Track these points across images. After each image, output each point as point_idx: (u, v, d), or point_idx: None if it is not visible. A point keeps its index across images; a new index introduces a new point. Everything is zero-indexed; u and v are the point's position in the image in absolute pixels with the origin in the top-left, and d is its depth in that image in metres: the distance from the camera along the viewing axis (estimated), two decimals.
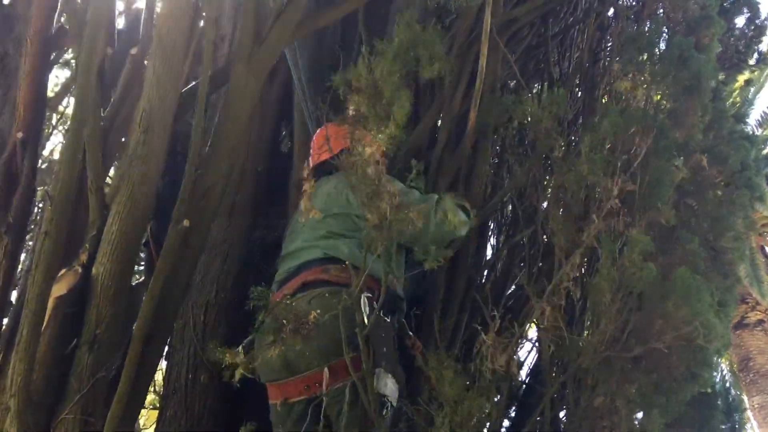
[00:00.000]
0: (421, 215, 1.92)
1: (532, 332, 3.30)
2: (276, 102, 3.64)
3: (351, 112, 1.88)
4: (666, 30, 2.98)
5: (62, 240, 2.19)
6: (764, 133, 9.24)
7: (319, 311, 2.10)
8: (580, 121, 3.63)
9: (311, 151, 2.85)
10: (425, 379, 2.40)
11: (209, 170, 2.53)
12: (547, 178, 3.16)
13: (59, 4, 3.00)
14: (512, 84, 3.71)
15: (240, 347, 2.37)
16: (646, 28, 2.97)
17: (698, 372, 1.94)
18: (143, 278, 3.77)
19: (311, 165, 2.78)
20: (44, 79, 2.90)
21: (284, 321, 2.05)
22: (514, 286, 3.44)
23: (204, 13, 2.74)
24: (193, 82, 2.79)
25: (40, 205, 4.38)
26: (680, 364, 1.93)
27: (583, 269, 2.92)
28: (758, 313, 8.88)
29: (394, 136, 1.91)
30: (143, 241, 3.25)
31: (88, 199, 2.42)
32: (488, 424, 2.13)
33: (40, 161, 4.47)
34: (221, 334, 3.03)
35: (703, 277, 2.04)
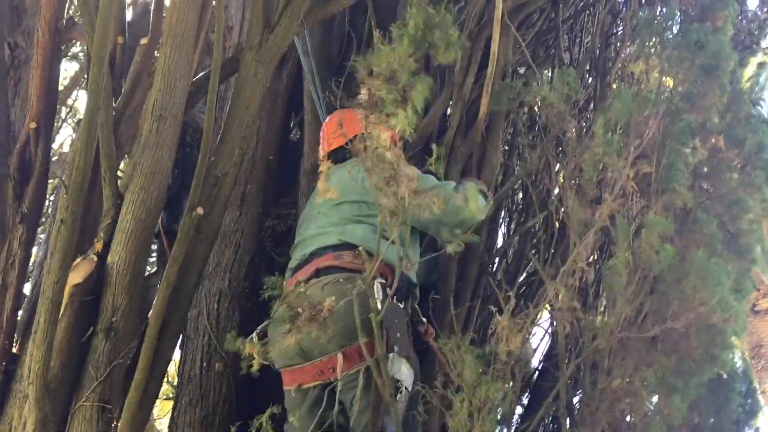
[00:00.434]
0: (439, 200, 1.91)
1: (546, 320, 3.31)
2: (286, 91, 3.63)
3: (364, 97, 1.86)
4: (679, 13, 2.95)
5: (78, 228, 2.19)
6: None
7: (333, 298, 2.10)
8: (592, 106, 3.61)
9: (322, 137, 2.85)
10: (440, 365, 2.40)
11: (221, 158, 2.53)
12: (559, 165, 3.15)
13: None
14: (523, 71, 3.69)
15: (254, 335, 2.37)
16: (659, 12, 2.95)
17: (717, 353, 1.93)
18: (155, 269, 3.79)
19: (324, 152, 2.78)
20: (55, 69, 2.90)
21: (299, 309, 2.05)
22: (525, 273, 3.44)
23: (214, 2, 2.73)
24: (202, 72, 2.79)
25: (51, 198, 4.40)
26: (698, 345, 1.92)
27: (596, 254, 2.92)
28: None
29: (412, 121, 1.89)
30: (155, 232, 3.27)
31: (102, 188, 2.42)
32: (502, 410, 2.13)
33: (51, 155, 4.50)
34: (235, 323, 3.04)
35: (721, 260, 2.03)
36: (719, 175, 2.37)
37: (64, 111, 5.44)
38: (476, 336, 2.84)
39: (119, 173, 2.55)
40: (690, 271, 1.94)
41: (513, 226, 3.70)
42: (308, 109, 3.34)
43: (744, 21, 3.52)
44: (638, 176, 2.13)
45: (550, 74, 3.67)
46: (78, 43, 4.87)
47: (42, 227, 4.16)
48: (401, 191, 1.77)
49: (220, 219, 2.58)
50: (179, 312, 2.40)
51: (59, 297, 2.18)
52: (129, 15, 3.16)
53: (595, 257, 3.01)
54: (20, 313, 2.73)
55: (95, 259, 2.32)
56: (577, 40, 3.94)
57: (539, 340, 3.50)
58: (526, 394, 3.27)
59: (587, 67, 3.71)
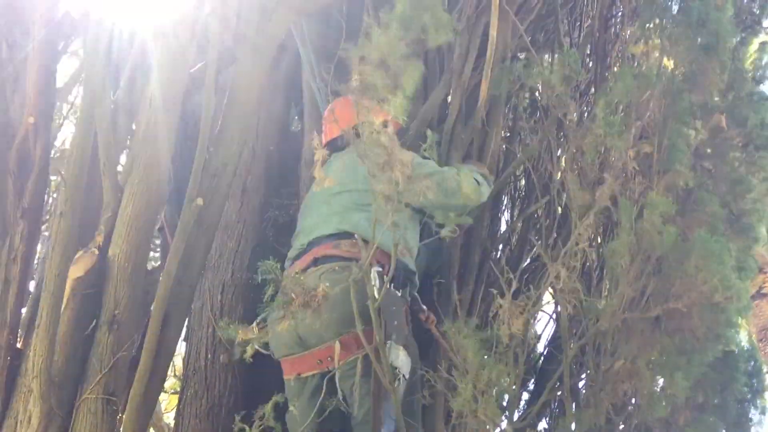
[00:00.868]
0: (434, 185, 1.90)
1: (550, 307, 3.30)
2: (285, 81, 3.62)
3: (355, 83, 1.85)
4: None
5: (77, 220, 2.19)
6: None
7: (328, 285, 2.09)
8: (593, 91, 3.59)
9: (323, 128, 2.85)
10: (443, 351, 2.40)
11: (220, 149, 2.53)
12: (561, 150, 3.13)
13: None
14: (523, 56, 3.66)
15: (254, 324, 2.38)
16: None
17: (720, 332, 1.92)
18: (160, 263, 3.79)
19: (324, 141, 2.77)
20: (52, 64, 2.89)
21: (293, 295, 2.05)
22: (529, 259, 3.43)
23: None
24: (200, 63, 2.78)
25: (55, 195, 4.40)
26: (702, 325, 1.91)
27: (599, 238, 2.91)
28: None
29: (403, 106, 1.88)
30: (158, 226, 3.27)
31: (102, 181, 2.42)
32: (507, 395, 2.13)
33: (53, 152, 4.50)
34: (239, 314, 3.04)
35: (723, 238, 2.01)
36: (722, 155, 2.36)
37: (65, 108, 5.42)
38: (480, 321, 2.83)
39: (119, 166, 2.55)
40: (692, 251, 1.93)
41: (516, 212, 3.69)
42: (307, 98, 3.34)
43: (745, 0, 3.48)
44: (640, 156, 2.11)
45: (550, 59, 3.64)
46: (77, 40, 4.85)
47: (46, 224, 4.16)
48: (395, 176, 1.76)
49: (221, 210, 2.58)
50: (182, 303, 2.40)
51: (61, 290, 2.19)
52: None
53: (599, 240, 3.00)
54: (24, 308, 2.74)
55: (96, 252, 2.32)
56: (577, 23, 3.91)
57: (544, 325, 3.49)
58: (532, 379, 3.27)
59: (587, 51, 3.68)
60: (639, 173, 2.25)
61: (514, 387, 2.01)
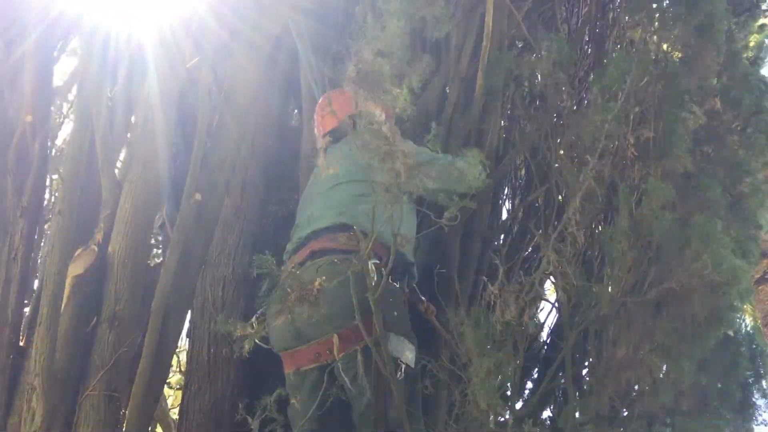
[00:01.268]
0: (436, 173, 1.89)
1: (553, 297, 3.29)
2: (283, 77, 3.61)
3: (352, 73, 1.84)
4: None
5: (75, 218, 2.20)
6: None
7: (324, 278, 2.09)
8: (591, 77, 3.56)
9: (316, 120, 2.83)
10: (444, 342, 2.40)
11: (219, 143, 2.53)
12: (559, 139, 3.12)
13: None
14: (520, 45, 3.64)
15: (253, 318, 2.38)
16: None
17: (722, 315, 1.91)
18: (162, 259, 3.80)
19: (321, 134, 2.76)
20: (49, 62, 2.89)
21: (289, 290, 2.04)
22: (531, 249, 3.42)
23: None
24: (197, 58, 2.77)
25: (56, 194, 4.40)
26: (703, 309, 1.90)
27: (600, 226, 2.89)
28: None
29: (407, 99, 1.87)
30: (160, 224, 3.27)
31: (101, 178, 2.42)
32: (509, 383, 2.13)
33: (54, 151, 4.50)
34: (240, 309, 3.04)
35: (722, 222, 2.00)
36: (719, 138, 2.34)
37: (65, 107, 5.41)
38: (482, 311, 2.83)
39: (117, 163, 2.55)
40: (692, 236, 1.92)
41: (517, 201, 3.68)
42: (305, 93, 3.32)
43: None
44: (640, 141, 2.09)
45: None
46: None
47: (48, 223, 4.17)
48: (397, 167, 1.75)
49: (220, 205, 2.58)
50: (182, 299, 2.41)
51: (61, 288, 2.19)
52: None
53: (600, 228, 2.98)
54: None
55: (96, 249, 2.33)
56: (575, 10, 3.88)
57: (547, 314, 3.48)
58: (536, 369, 3.27)
59: (585, 38, 3.66)
60: (638, 159, 2.23)
61: (514, 375, 2.00)
